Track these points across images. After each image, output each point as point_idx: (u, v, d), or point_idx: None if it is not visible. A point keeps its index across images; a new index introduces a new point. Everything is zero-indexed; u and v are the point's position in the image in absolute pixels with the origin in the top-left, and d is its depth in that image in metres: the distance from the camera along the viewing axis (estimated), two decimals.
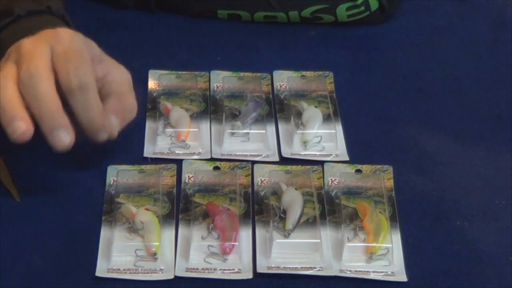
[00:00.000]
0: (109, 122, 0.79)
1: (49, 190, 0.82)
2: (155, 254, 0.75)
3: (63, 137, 0.75)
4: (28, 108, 0.75)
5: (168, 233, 0.78)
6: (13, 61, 0.77)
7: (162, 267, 0.75)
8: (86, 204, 0.81)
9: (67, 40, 0.78)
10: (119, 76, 0.81)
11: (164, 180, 0.83)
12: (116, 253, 0.75)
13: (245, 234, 0.78)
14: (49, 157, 0.81)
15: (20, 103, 0.75)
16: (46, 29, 0.81)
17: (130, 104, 0.82)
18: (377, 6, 1.05)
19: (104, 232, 0.77)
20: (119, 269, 0.74)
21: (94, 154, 0.84)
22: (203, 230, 0.77)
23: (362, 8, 1.04)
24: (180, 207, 0.80)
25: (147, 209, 0.79)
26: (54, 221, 0.79)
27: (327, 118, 0.90)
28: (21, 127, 0.74)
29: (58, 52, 0.76)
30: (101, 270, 0.74)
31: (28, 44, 0.78)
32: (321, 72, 0.97)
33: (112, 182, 0.82)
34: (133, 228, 0.77)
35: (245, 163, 0.85)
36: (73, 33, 0.79)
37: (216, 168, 0.84)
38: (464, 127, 0.93)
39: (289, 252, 0.76)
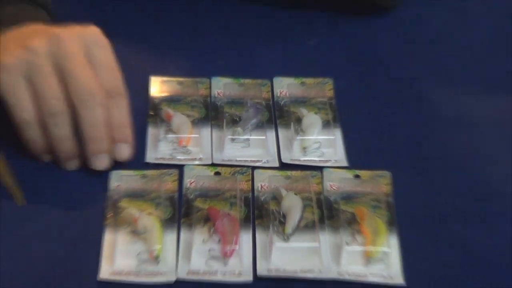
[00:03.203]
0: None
1: (52, 194, 0.83)
2: (157, 257, 0.76)
3: (105, 160, 0.82)
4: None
5: (170, 237, 0.78)
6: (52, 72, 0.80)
7: (164, 270, 0.75)
8: (90, 208, 0.82)
9: (106, 48, 0.81)
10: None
11: (166, 185, 0.83)
12: (119, 257, 0.76)
13: (245, 238, 0.79)
14: (53, 162, 0.84)
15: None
16: (29, 18, 0.85)
17: None
18: None
19: (107, 236, 0.78)
20: (122, 272, 0.75)
21: None
22: (204, 234, 0.78)
23: None
24: (181, 211, 0.81)
25: (149, 213, 0.80)
26: (58, 225, 0.80)
27: (326, 124, 0.91)
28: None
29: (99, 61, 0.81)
30: (105, 273, 0.75)
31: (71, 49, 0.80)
32: (320, 79, 0.97)
33: (115, 187, 0.83)
34: (136, 232, 0.78)
35: (245, 168, 0.86)
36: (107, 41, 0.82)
37: (217, 173, 0.85)
38: (460, 133, 0.94)
39: (288, 255, 0.77)
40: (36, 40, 0.80)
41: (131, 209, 0.80)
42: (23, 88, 0.79)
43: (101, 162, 0.82)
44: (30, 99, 0.79)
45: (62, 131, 0.80)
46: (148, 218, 0.79)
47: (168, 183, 0.84)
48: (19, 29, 0.84)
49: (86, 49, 0.80)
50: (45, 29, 0.82)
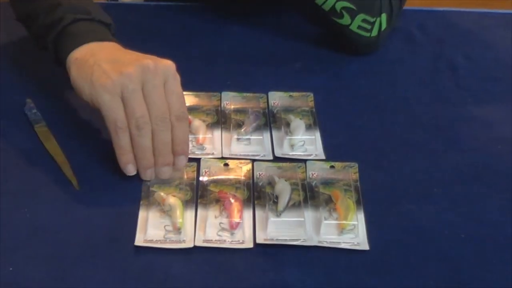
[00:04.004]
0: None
1: (101, 181, 0.81)
2: (179, 229, 0.74)
3: (170, 171, 0.79)
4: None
5: (190, 213, 0.77)
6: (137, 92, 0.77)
7: (184, 239, 0.74)
8: (129, 192, 0.80)
9: (178, 80, 0.80)
10: None
11: (187, 174, 0.81)
12: (151, 228, 0.74)
13: (247, 214, 0.77)
14: (102, 157, 0.82)
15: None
16: (107, 38, 0.83)
17: None
18: (385, 25, 0.99)
19: (142, 213, 0.77)
20: (152, 240, 0.73)
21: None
22: (216, 211, 0.77)
23: (369, 26, 0.99)
24: (198, 194, 0.79)
25: (174, 196, 0.78)
26: (105, 205, 0.78)
27: (308, 127, 0.89)
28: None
29: (171, 90, 0.79)
30: (139, 240, 0.73)
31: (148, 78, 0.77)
32: (304, 93, 0.96)
33: None
34: (163, 210, 0.76)
35: (247, 161, 0.84)
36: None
37: (226, 165, 0.83)
38: (409, 134, 0.92)
39: (280, 227, 0.75)
40: (131, 68, 0.77)
41: (160, 192, 0.79)
42: (119, 105, 0.77)
43: (166, 173, 0.80)
44: (123, 113, 0.77)
45: (145, 140, 0.77)
46: (173, 199, 0.77)
47: (189, 172, 0.82)
48: (105, 48, 0.82)
49: (165, 80, 0.78)
50: (137, 57, 0.79)
